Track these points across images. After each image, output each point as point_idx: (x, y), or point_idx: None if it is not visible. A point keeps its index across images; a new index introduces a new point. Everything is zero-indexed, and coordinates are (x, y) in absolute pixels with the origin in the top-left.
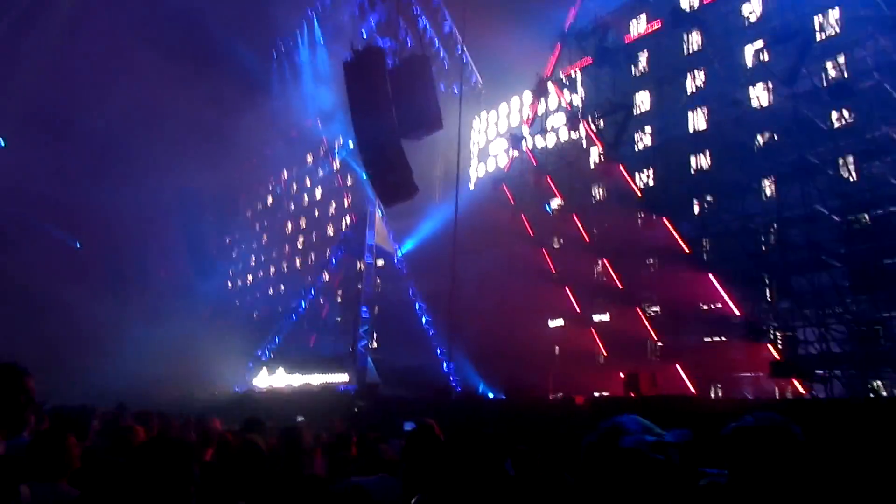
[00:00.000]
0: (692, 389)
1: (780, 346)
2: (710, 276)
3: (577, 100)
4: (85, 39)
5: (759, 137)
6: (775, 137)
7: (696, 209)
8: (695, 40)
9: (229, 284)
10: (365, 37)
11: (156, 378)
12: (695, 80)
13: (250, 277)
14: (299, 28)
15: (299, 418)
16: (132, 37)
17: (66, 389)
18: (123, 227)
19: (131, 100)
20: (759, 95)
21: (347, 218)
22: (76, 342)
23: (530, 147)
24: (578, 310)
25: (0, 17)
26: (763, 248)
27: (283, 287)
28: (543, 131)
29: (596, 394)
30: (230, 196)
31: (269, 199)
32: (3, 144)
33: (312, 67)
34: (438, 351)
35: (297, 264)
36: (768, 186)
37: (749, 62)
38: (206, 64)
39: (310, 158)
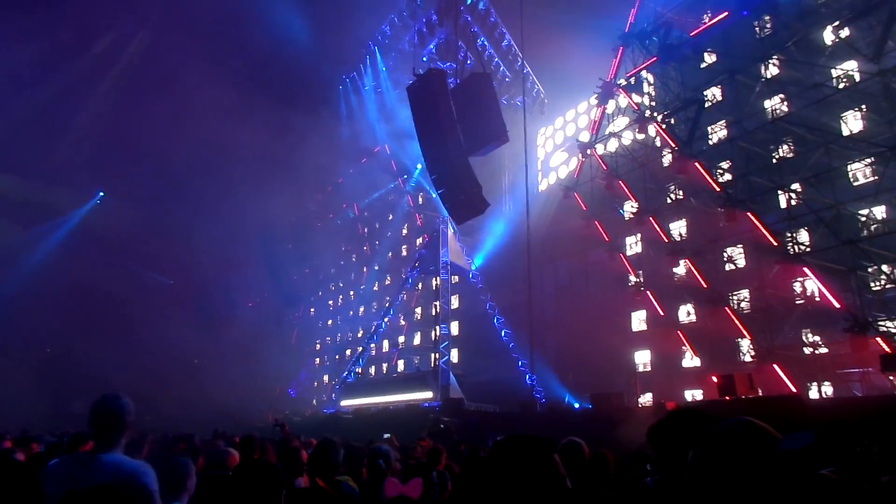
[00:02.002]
0: (793, 389)
1: (890, 339)
2: (805, 268)
3: (645, 100)
4: (163, 90)
5: (846, 118)
6: (864, 117)
7: (782, 200)
8: (766, 26)
9: (312, 311)
10: (426, 61)
11: (249, 404)
12: (769, 67)
13: (331, 303)
14: (362, 61)
15: (385, 436)
16: (207, 84)
17: (169, 417)
18: (211, 262)
19: (211, 140)
20: (842, 75)
21: (420, 238)
22: (175, 374)
23: (599, 152)
24: (662, 313)
25: (93, 80)
26: (861, 234)
27: (362, 310)
28: (611, 135)
29: (689, 398)
30: (307, 225)
31: (344, 226)
32: (102, 194)
33: (378, 96)
34: (520, 363)
35: (375, 286)
36: (860, 169)
37: (828, 41)
38: (277, 104)
39: (380, 183)
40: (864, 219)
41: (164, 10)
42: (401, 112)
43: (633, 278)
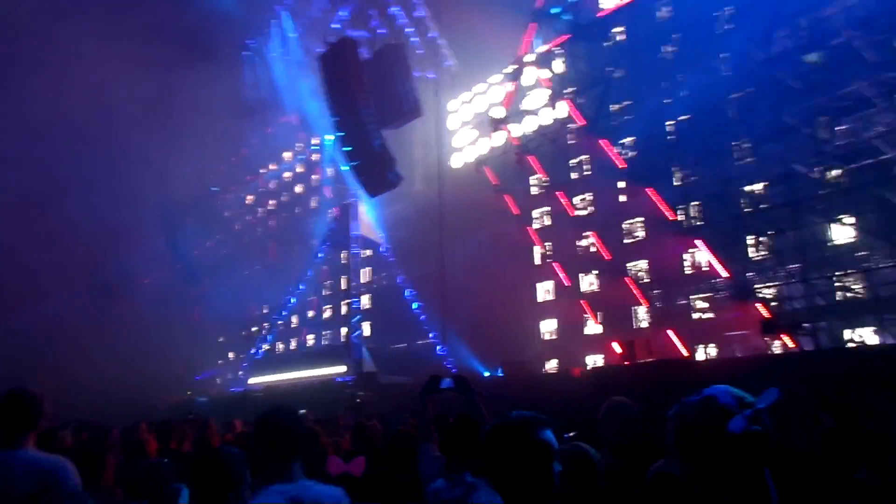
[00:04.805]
0: (684, 352)
1: (768, 305)
2: (697, 241)
3: (555, 77)
4: (45, 51)
5: (735, 102)
6: (751, 101)
7: (679, 176)
8: (667, 10)
9: (215, 287)
10: (339, 28)
11: (149, 385)
12: (668, 50)
13: (236, 278)
14: (268, 25)
15: (301, 412)
16: (96, 45)
17: (70, 403)
18: (101, 236)
19: (100, 105)
20: (733, 60)
21: (330, 211)
22: (63, 357)
23: (510, 127)
24: (567, 283)
25: None
26: (745, 209)
27: (269, 285)
28: (523, 111)
29: (590, 365)
30: (209, 198)
31: (250, 198)
32: None
33: (286, 63)
34: (431, 335)
35: (283, 261)
36: (746, 149)
37: (721, 28)
38: (175, 67)
39: (288, 154)
40: (746, 195)
41: None
42: (311, 82)
43: (540, 250)
